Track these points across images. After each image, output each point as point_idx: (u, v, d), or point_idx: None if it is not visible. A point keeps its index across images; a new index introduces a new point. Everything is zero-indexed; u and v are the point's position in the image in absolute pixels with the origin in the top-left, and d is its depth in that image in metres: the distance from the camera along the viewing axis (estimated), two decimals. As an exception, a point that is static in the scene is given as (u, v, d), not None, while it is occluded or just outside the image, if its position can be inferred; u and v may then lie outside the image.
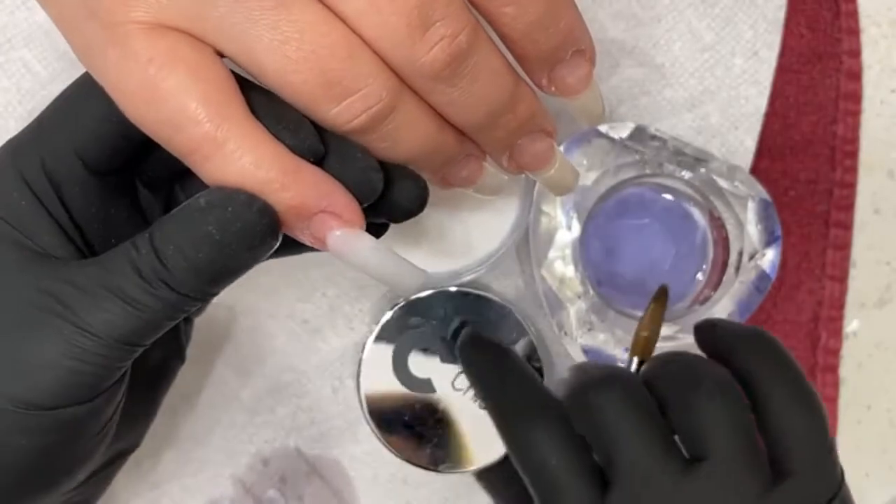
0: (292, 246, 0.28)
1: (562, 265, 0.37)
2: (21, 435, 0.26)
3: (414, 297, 0.38)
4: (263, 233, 0.25)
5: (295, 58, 0.24)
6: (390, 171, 0.28)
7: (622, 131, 0.37)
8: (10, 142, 0.29)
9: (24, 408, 0.26)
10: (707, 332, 0.32)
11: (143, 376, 0.32)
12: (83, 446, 0.28)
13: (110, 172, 0.29)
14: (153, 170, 0.30)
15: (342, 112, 0.25)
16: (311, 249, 0.28)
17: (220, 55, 0.25)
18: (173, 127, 0.24)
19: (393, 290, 0.27)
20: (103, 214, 0.29)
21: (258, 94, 0.26)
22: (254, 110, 0.25)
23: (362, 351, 0.38)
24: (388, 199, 0.28)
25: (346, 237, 0.26)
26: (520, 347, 0.39)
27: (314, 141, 0.26)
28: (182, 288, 0.26)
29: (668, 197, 0.38)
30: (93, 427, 0.28)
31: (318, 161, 0.26)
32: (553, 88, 0.29)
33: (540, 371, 0.38)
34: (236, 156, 0.25)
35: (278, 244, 0.26)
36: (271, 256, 0.27)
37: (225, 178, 0.25)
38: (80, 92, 0.28)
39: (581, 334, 0.37)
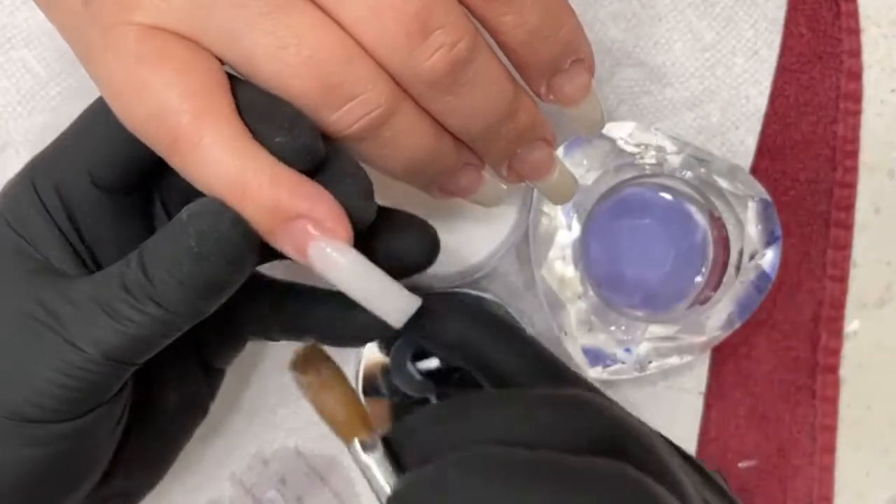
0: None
1: (562, 265, 0.37)
2: (19, 446, 0.26)
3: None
4: (239, 243, 0.24)
5: (293, 63, 0.24)
6: (397, 218, 0.28)
7: (622, 131, 0.37)
8: (32, 160, 0.29)
9: (18, 419, 0.26)
10: None
11: (153, 421, 0.31)
12: (78, 463, 0.28)
13: (123, 190, 0.29)
14: (167, 190, 0.30)
15: (341, 117, 0.25)
16: None
17: (221, 62, 0.25)
18: (155, 121, 0.24)
19: (380, 317, 0.26)
20: (114, 233, 0.29)
21: (252, 93, 0.25)
22: (243, 109, 0.25)
23: (362, 352, 0.38)
24: (393, 249, 0.28)
25: (327, 250, 0.24)
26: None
27: (310, 139, 0.25)
28: (168, 304, 0.25)
29: (668, 197, 0.38)
30: (86, 443, 0.27)
31: (318, 164, 0.26)
32: (552, 97, 0.29)
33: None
34: (212, 150, 0.24)
35: (257, 257, 0.25)
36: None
37: (203, 176, 0.24)
38: (96, 115, 0.28)
39: (581, 334, 0.37)
